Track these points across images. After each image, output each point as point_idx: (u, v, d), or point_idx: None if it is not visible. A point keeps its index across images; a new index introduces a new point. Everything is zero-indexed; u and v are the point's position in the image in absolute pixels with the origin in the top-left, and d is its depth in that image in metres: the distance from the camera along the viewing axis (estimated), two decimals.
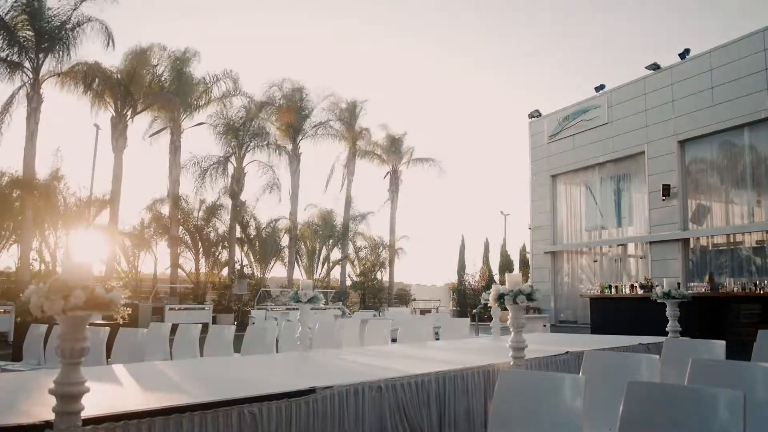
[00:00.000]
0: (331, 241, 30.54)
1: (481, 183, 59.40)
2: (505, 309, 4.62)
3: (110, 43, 22.10)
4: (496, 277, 29.18)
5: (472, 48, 59.43)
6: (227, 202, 27.10)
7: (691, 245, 17.71)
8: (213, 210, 27.05)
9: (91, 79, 22.77)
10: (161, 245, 26.61)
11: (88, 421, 2.36)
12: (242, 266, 28.05)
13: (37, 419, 2.37)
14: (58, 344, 2.29)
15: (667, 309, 7.10)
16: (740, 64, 16.20)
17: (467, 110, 58.15)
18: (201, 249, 26.99)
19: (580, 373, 4.03)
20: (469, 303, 26.64)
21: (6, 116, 21.45)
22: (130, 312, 14.89)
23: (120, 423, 2.52)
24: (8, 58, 21.15)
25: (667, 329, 7.03)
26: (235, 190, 26.86)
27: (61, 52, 21.62)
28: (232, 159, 27.22)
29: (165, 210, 26.13)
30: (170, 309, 18.44)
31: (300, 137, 28.89)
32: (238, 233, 27.76)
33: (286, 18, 56.19)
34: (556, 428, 3.04)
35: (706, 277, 14.33)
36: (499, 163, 59.77)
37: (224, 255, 27.52)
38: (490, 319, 9.37)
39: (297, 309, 6.44)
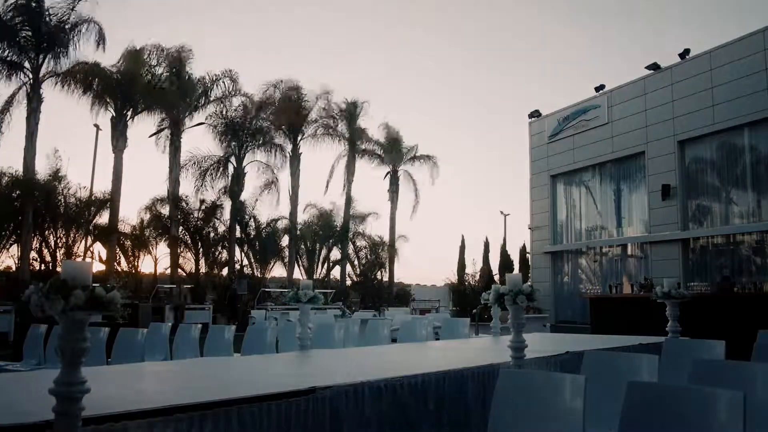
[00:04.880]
0: (331, 241, 30.51)
1: (481, 183, 59.43)
2: (505, 309, 4.62)
3: (101, 44, 22.16)
4: (496, 277, 29.16)
5: (472, 48, 59.46)
6: (227, 202, 27.10)
7: (691, 245, 17.71)
8: (213, 210, 27.03)
9: (90, 79, 22.79)
10: (161, 245, 26.63)
11: (88, 421, 2.35)
12: (242, 266, 28.05)
13: (37, 419, 2.36)
14: (58, 344, 2.29)
15: (667, 309, 7.09)
16: (740, 64, 16.21)
17: (467, 110, 58.20)
18: (201, 249, 26.97)
19: (580, 373, 4.03)
20: (469, 303, 26.60)
21: (6, 116, 21.52)
22: (130, 312, 14.91)
23: (120, 423, 2.51)
24: (8, 59, 21.18)
25: (667, 329, 7.01)
26: (234, 190, 26.86)
27: (60, 53, 21.65)
28: (232, 159, 27.21)
29: (165, 210, 26.12)
30: (170, 309, 18.42)
31: (300, 137, 28.88)
32: (237, 233, 27.75)
33: (286, 18, 56.21)
34: (556, 428, 3.04)
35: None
36: (499, 163, 59.80)
37: (224, 255, 27.51)
38: (490, 319, 9.36)
39: (297, 309, 6.43)
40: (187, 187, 26.52)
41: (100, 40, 22.08)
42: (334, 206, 30.71)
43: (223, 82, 26.25)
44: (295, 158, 28.63)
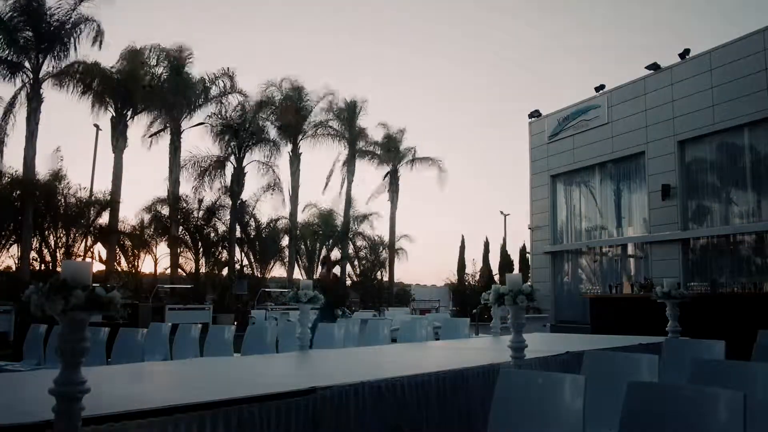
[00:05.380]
0: (331, 241, 30.52)
1: (481, 183, 59.47)
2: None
3: (99, 43, 22.12)
4: (496, 277, 29.16)
5: (472, 48, 59.46)
6: (227, 202, 27.09)
7: (691, 245, 17.70)
8: (213, 210, 27.03)
9: (90, 79, 22.79)
10: (161, 245, 26.63)
11: (88, 421, 2.35)
12: (242, 266, 28.04)
13: (37, 419, 2.36)
14: (58, 344, 2.29)
15: (667, 309, 7.09)
16: (740, 64, 16.19)
17: (468, 110, 58.23)
18: (201, 249, 26.97)
19: (580, 373, 4.03)
20: (469, 303, 26.61)
21: (9, 117, 21.56)
22: (130, 312, 14.92)
23: (120, 423, 2.51)
24: (8, 59, 21.17)
25: (667, 329, 7.01)
26: (234, 190, 26.85)
27: (60, 53, 21.65)
28: (232, 159, 27.21)
29: (165, 210, 26.12)
30: (170, 309, 18.41)
31: (300, 137, 28.88)
32: (238, 233, 27.74)
33: (287, 17, 56.22)
34: (556, 428, 3.04)
35: None
36: (499, 163, 59.86)
37: (224, 255, 27.51)
38: (490, 319, 9.37)
39: (297, 309, 6.43)
40: (187, 187, 26.56)
41: (99, 38, 22.06)
42: (334, 206, 30.76)
43: (222, 80, 26.25)
44: (295, 158, 28.63)
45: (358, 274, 31.22)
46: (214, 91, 26.34)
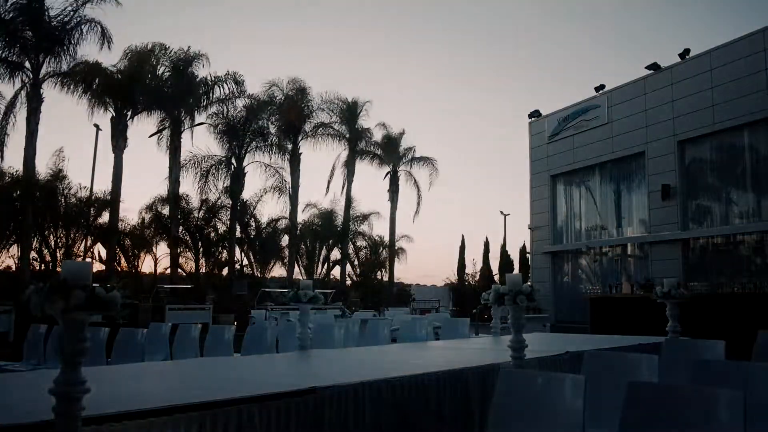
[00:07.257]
0: (331, 241, 30.49)
1: (481, 183, 59.46)
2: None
3: (106, 44, 22.12)
4: (496, 277, 29.16)
5: (472, 48, 59.49)
6: (227, 202, 27.07)
7: (691, 245, 17.70)
8: (213, 210, 27.02)
9: (91, 79, 22.78)
10: (161, 245, 26.63)
11: (88, 421, 2.35)
12: (242, 266, 28.03)
13: (37, 419, 2.36)
14: (58, 344, 2.28)
15: (667, 309, 7.08)
16: (740, 64, 16.19)
17: (467, 110, 58.21)
18: (201, 249, 26.96)
19: (580, 373, 4.02)
20: (469, 303, 26.60)
21: (10, 118, 21.57)
22: (132, 312, 14.92)
23: (120, 423, 2.51)
24: (8, 59, 21.16)
25: (667, 329, 7.01)
26: (235, 190, 26.83)
27: (61, 53, 21.64)
28: (232, 159, 27.17)
29: (165, 210, 26.11)
30: (170, 309, 18.39)
31: (300, 137, 28.84)
32: (238, 233, 27.73)
33: (287, 17, 56.21)
34: (556, 428, 3.04)
35: None
36: (499, 163, 59.85)
37: (224, 255, 27.50)
38: (490, 319, 9.37)
39: (297, 309, 6.43)
40: (187, 187, 26.54)
41: (105, 40, 22.05)
42: (335, 206, 30.73)
43: (227, 84, 26.17)
44: (295, 158, 28.58)
45: (358, 274, 31.20)
46: (218, 92, 26.29)
